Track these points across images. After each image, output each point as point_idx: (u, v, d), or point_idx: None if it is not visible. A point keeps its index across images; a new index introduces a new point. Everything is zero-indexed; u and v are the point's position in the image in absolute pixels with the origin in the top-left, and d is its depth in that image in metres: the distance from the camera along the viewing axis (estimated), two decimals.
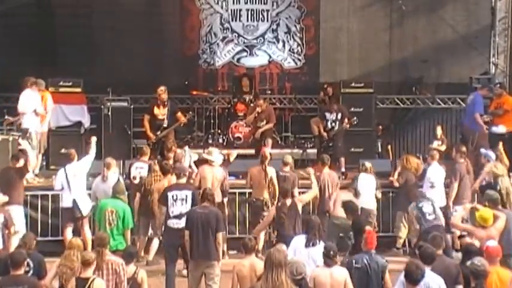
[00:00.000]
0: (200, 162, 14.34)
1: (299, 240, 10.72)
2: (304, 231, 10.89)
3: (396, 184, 14.86)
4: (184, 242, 11.70)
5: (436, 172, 14.47)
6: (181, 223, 11.95)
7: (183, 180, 12.63)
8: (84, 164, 13.93)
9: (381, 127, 19.10)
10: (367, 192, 14.32)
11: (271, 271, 8.33)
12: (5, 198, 12.90)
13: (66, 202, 13.85)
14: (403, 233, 14.63)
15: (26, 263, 9.63)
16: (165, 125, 16.05)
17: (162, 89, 16.03)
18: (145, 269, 10.78)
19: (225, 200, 14.18)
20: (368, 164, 14.72)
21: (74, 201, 13.67)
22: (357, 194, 14.14)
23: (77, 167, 13.87)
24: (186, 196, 12.12)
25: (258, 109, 16.81)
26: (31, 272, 10.03)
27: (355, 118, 16.44)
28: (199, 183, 13.58)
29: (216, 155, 14.10)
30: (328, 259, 9.62)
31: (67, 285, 9.76)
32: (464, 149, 14.85)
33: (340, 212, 12.67)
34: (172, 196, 12.16)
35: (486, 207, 11.47)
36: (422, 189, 14.39)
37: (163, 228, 12.49)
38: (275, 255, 8.43)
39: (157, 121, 16.10)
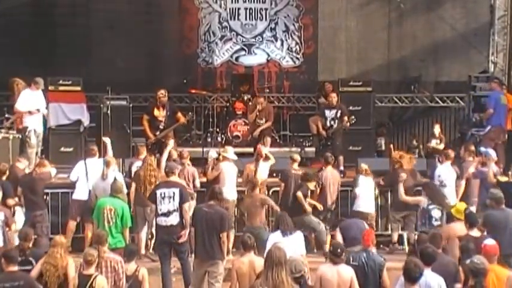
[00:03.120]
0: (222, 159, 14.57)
1: (275, 235, 10.81)
2: (275, 227, 11.15)
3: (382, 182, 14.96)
4: (175, 239, 11.80)
5: (447, 172, 14.44)
6: (169, 220, 12.05)
7: (174, 178, 12.64)
8: (101, 163, 14.09)
9: (384, 129, 19.10)
10: (367, 195, 14.39)
11: (272, 269, 8.33)
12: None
13: (80, 194, 13.97)
14: (395, 229, 14.73)
15: (28, 260, 9.70)
16: (162, 127, 16.12)
17: (162, 92, 16.09)
18: (145, 267, 10.82)
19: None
20: (364, 166, 14.77)
21: (91, 192, 13.79)
22: (356, 197, 14.25)
23: (97, 163, 14.04)
24: (174, 193, 12.16)
25: (259, 107, 16.84)
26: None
27: (352, 117, 16.47)
28: (217, 177, 14.03)
29: (231, 152, 14.46)
30: (335, 257, 9.64)
31: (50, 282, 9.90)
32: (473, 148, 14.88)
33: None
34: (161, 194, 12.21)
35: (489, 206, 11.57)
36: None
37: (154, 227, 12.62)
38: (275, 253, 8.43)
39: (157, 122, 16.13)
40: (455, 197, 14.16)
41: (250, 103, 17.96)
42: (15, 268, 9.49)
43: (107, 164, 13.75)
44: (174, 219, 12.03)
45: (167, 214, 12.09)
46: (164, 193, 12.20)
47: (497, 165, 14.53)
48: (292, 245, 10.60)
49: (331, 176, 14.48)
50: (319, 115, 16.81)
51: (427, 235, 10.66)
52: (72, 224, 13.98)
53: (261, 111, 16.82)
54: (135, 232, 13.78)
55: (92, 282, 9.57)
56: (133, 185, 14.01)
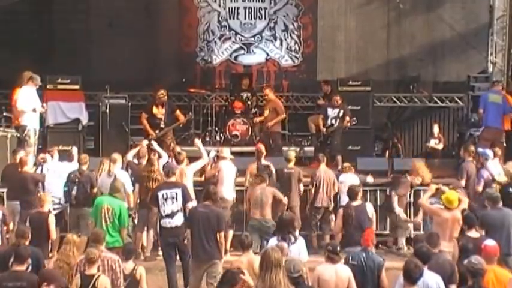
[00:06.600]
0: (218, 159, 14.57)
1: (272, 241, 10.73)
2: (276, 230, 11.02)
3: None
4: (180, 240, 11.74)
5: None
6: (174, 222, 12.03)
7: (173, 179, 12.58)
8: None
9: (382, 133, 19.09)
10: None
11: (270, 271, 8.26)
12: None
13: None
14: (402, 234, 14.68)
15: None
16: (162, 126, 16.13)
17: (162, 92, 16.22)
18: (143, 266, 10.80)
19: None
20: (345, 164, 14.83)
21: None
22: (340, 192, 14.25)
23: (56, 165, 14.10)
24: (176, 194, 12.14)
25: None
26: (29, 267, 10.00)
27: (354, 119, 16.49)
28: (214, 177, 13.98)
29: (227, 152, 14.46)
30: (334, 255, 9.63)
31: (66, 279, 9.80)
32: (472, 148, 14.84)
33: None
34: (163, 195, 12.16)
35: (486, 206, 11.56)
36: None
37: (158, 229, 12.56)
38: (273, 255, 8.36)
39: (157, 120, 16.18)
40: None
41: (249, 102, 17.99)
42: (22, 267, 9.28)
43: (113, 161, 13.68)
44: (178, 220, 12.00)
45: (171, 215, 12.06)
46: (166, 194, 12.15)
47: None
48: (296, 251, 10.56)
49: (325, 174, 14.36)
50: (321, 113, 16.87)
51: (423, 235, 10.66)
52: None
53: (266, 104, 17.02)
54: (134, 232, 13.78)
55: (95, 282, 9.56)
56: (137, 186, 13.95)
